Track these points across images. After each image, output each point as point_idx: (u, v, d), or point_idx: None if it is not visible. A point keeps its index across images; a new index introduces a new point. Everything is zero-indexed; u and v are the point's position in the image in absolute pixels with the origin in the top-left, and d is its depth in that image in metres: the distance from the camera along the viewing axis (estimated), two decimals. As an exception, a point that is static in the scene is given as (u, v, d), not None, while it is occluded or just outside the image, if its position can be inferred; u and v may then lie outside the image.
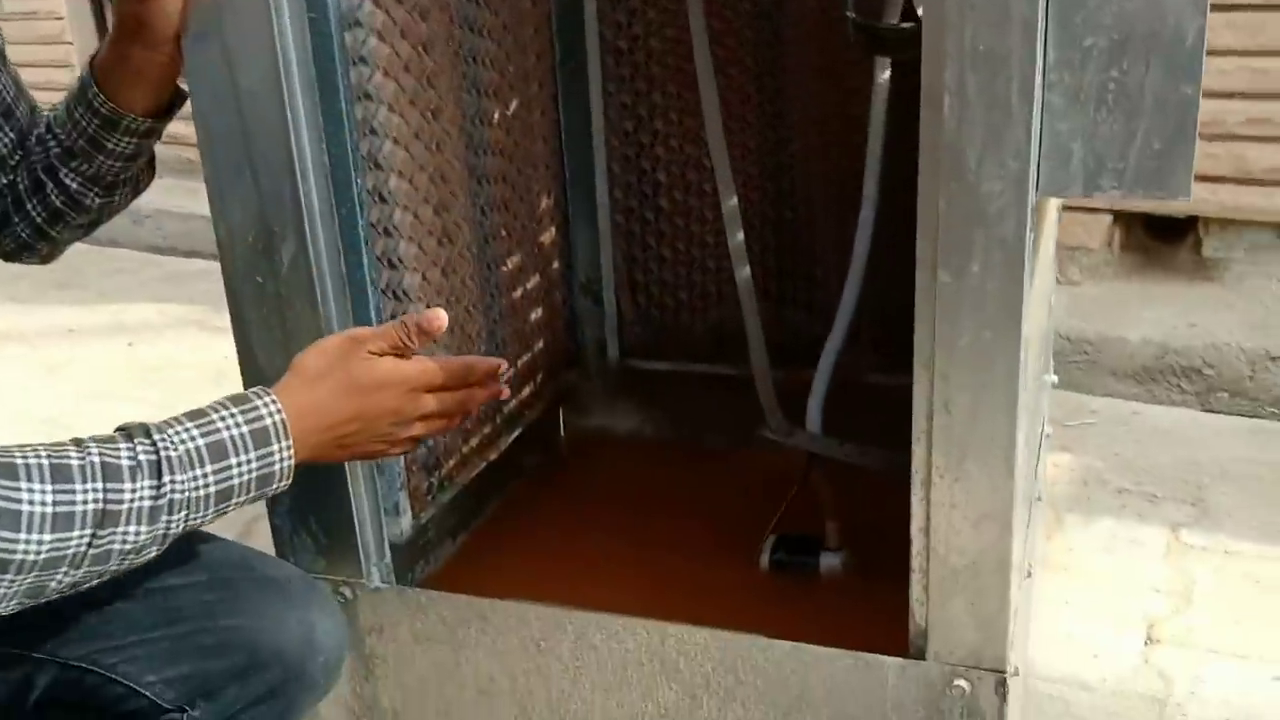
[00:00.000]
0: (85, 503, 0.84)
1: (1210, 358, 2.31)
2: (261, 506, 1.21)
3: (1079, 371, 2.39)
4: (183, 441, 0.90)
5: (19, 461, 0.83)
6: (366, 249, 1.20)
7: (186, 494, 0.89)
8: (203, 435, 0.91)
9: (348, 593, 1.28)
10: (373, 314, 1.22)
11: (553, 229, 1.67)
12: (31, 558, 0.82)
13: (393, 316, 1.28)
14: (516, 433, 1.60)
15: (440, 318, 1.02)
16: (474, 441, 1.49)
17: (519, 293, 1.58)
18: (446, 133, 1.37)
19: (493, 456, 1.52)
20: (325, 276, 1.14)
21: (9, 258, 1.23)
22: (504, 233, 1.52)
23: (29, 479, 0.83)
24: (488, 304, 1.49)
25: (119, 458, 0.87)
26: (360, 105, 1.19)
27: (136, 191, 1.23)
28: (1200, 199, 2.37)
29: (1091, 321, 2.41)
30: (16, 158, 1.17)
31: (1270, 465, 2.08)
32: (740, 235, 1.34)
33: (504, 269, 1.53)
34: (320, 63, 1.11)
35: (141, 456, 0.88)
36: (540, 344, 1.66)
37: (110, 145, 1.12)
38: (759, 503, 1.69)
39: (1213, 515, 1.95)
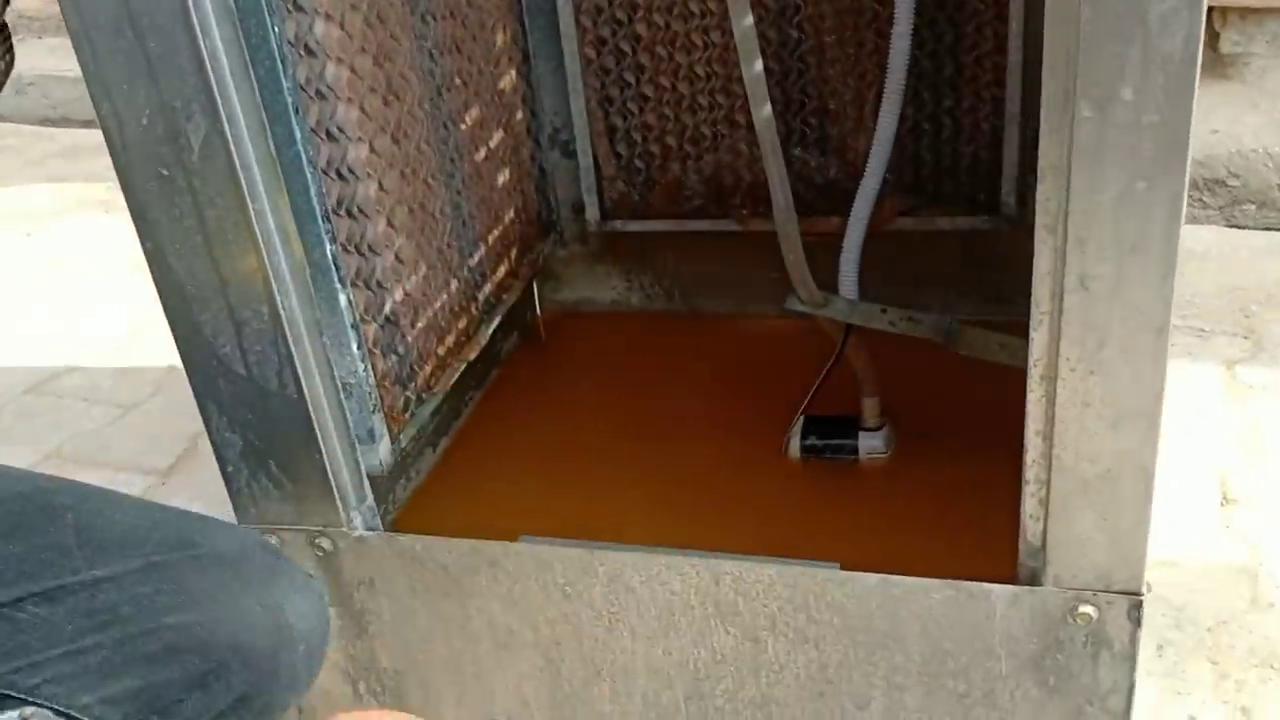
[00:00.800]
0: None
1: (1235, 166, 2.09)
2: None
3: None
4: None
5: None
6: (297, 119, 0.93)
7: None
8: None
9: (326, 544, 1.05)
10: (314, 201, 0.96)
11: (513, 71, 1.40)
12: None
13: (339, 202, 1.02)
14: (496, 321, 1.35)
15: None
16: (450, 340, 1.24)
17: (482, 153, 1.31)
18: (380, -39, 1.08)
19: (472, 355, 1.28)
20: (250, 159, 0.88)
21: None
22: (458, 80, 1.24)
23: None
24: (449, 171, 1.23)
25: None
26: (269, -69, 0.91)
27: None
28: (1215, -15, 2.13)
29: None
30: None
31: (1315, 286, 1.89)
32: (758, 64, 1.08)
33: (462, 125, 1.26)
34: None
35: None
36: (511, 213, 1.40)
37: None
38: (774, 376, 1.47)
39: (1268, 348, 1.75)
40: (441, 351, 1.23)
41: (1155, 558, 1.36)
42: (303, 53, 0.96)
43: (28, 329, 2.30)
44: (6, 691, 0.81)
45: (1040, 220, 0.78)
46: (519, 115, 1.41)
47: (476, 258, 1.30)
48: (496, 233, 1.36)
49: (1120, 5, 0.69)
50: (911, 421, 1.35)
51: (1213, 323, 1.82)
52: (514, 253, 1.41)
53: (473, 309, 1.30)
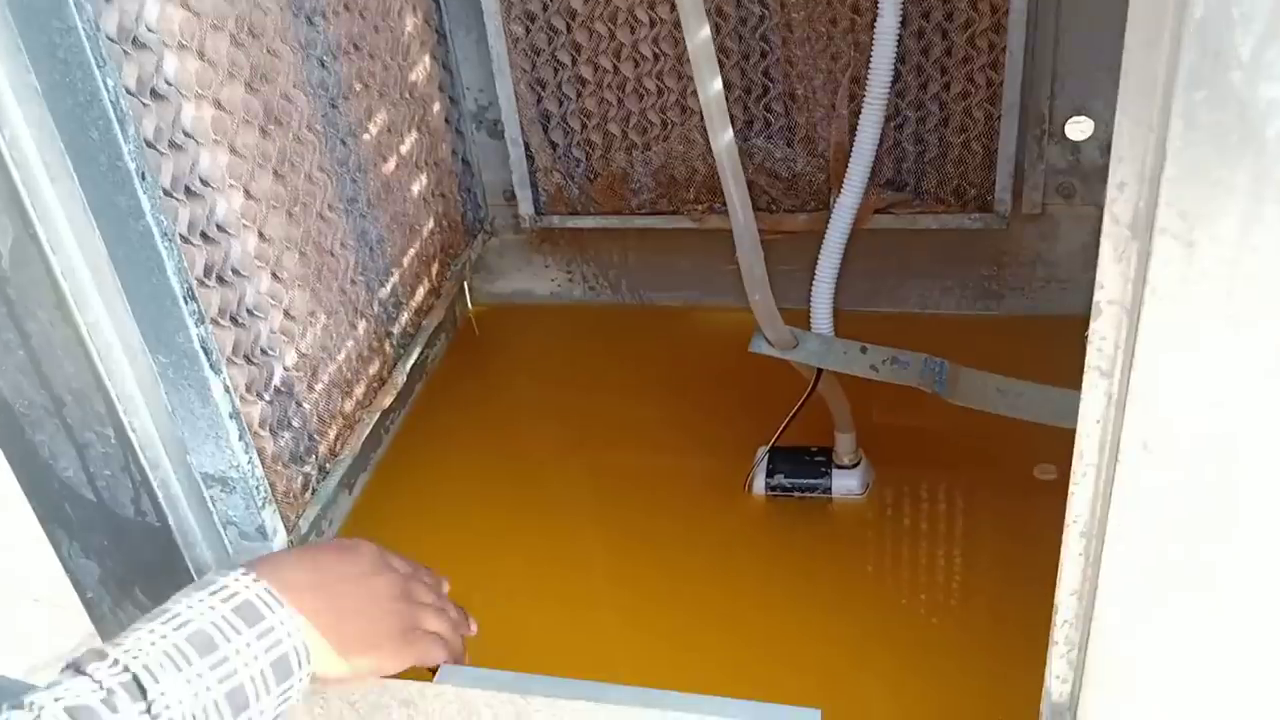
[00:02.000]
0: None
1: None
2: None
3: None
4: (153, 644, 0.66)
5: None
6: (143, 185, 0.73)
7: (186, 706, 0.64)
8: (174, 629, 0.67)
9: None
10: (173, 280, 0.76)
11: (427, 57, 1.18)
12: None
13: (207, 270, 0.83)
14: (415, 355, 1.16)
15: None
16: (359, 393, 1.05)
17: (392, 164, 1.11)
18: (250, -46, 0.87)
19: (387, 402, 1.09)
20: (74, 262, 0.70)
21: None
22: (359, 85, 1.04)
23: None
24: (350, 196, 1.03)
25: (83, 697, 0.62)
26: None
27: None
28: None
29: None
30: None
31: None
32: (718, 84, 0.88)
33: (365, 137, 1.06)
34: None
35: (109, 681, 0.63)
36: (430, 223, 1.20)
37: None
38: (731, 375, 1.31)
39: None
40: (349, 408, 1.04)
41: None
42: (148, 100, 0.76)
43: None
44: None
45: (1093, 361, 0.60)
46: (436, 108, 1.20)
47: (389, 287, 1.11)
48: (413, 251, 1.16)
49: (1228, 116, 0.50)
50: (892, 456, 1.19)
51: None
52: (435, 268, 1.22)
53: (386, 347, 1.11)
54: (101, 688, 0.63)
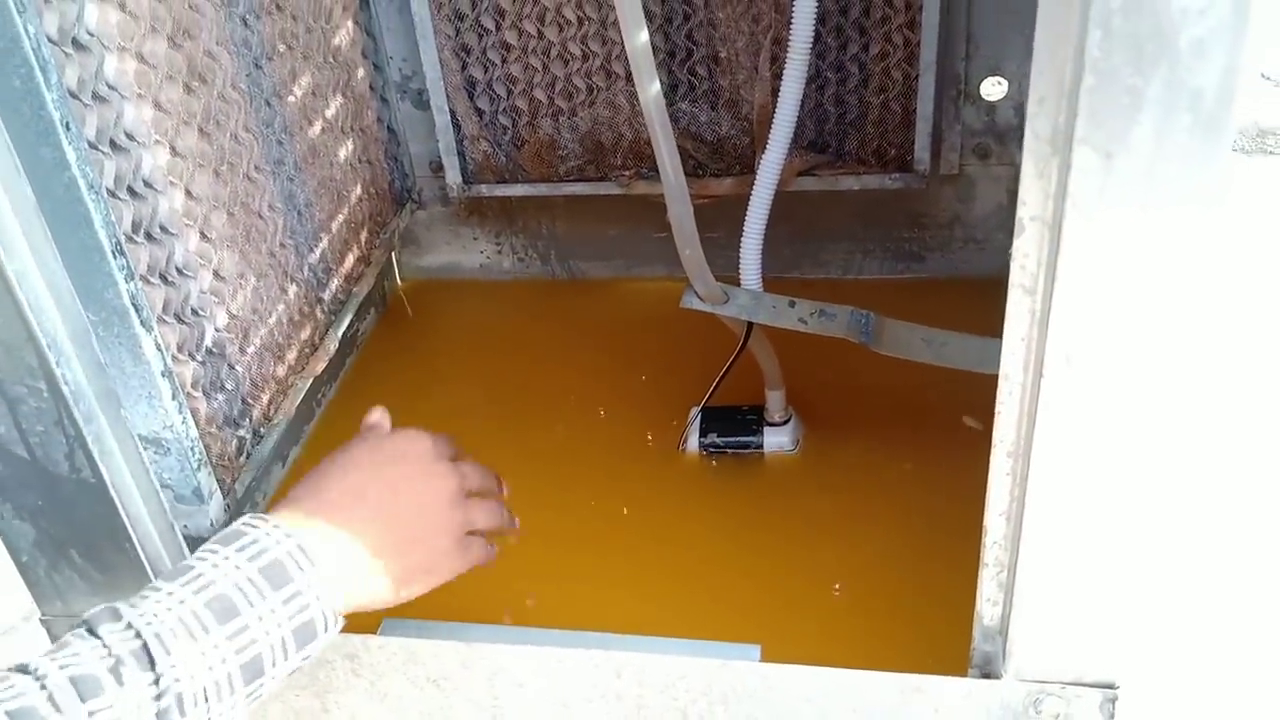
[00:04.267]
0: None
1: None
2: None
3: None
4: (170, 610, 0.64)
5: None
6: (68, 135, 0.72)
7: (199, 680, 0.63)
8: (194, 593, 0.65)
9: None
10: (100, 234, 0.75)
11: (350, 23, 1.18)
12: None
13: (135, 226, 0.82)
14: (346, 323, 1.16)
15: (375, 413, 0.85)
16: (291, 358, 1.05)
17: (318, 127, 1.11)
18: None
19: (320, 368, 1.09)
20: (3, 209, 0.68)
21: None
22: (282, 46, 1.03)
23: None
24: (276, 158, 1.02)
25: (88, 664, 0.60)
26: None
27: None
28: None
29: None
30: None
31: None
32: (644, 35, 0.90)
33: (290, 99, 1.05)
34: None
35: (119, 648, 0.62)
36: (358, 189, 1.20)
37: None
38: (666, 351, 1.32)
39: None
40: (282, 372, 1.04)
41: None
42: (70, 49, 0.75)
43: None
44: None
45: (1017, 279, 0.62)
46: (360, 73, 1.20)
47: (318, 252, 1.10)
48: (341, 216, 1.16)
49: (1142, 26, 0.52)
50: (821, 412, 1.22)
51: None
52: (364, 235, 1.21)
53: (317, 313, 1.10)
54: (110, 654, 0.62)
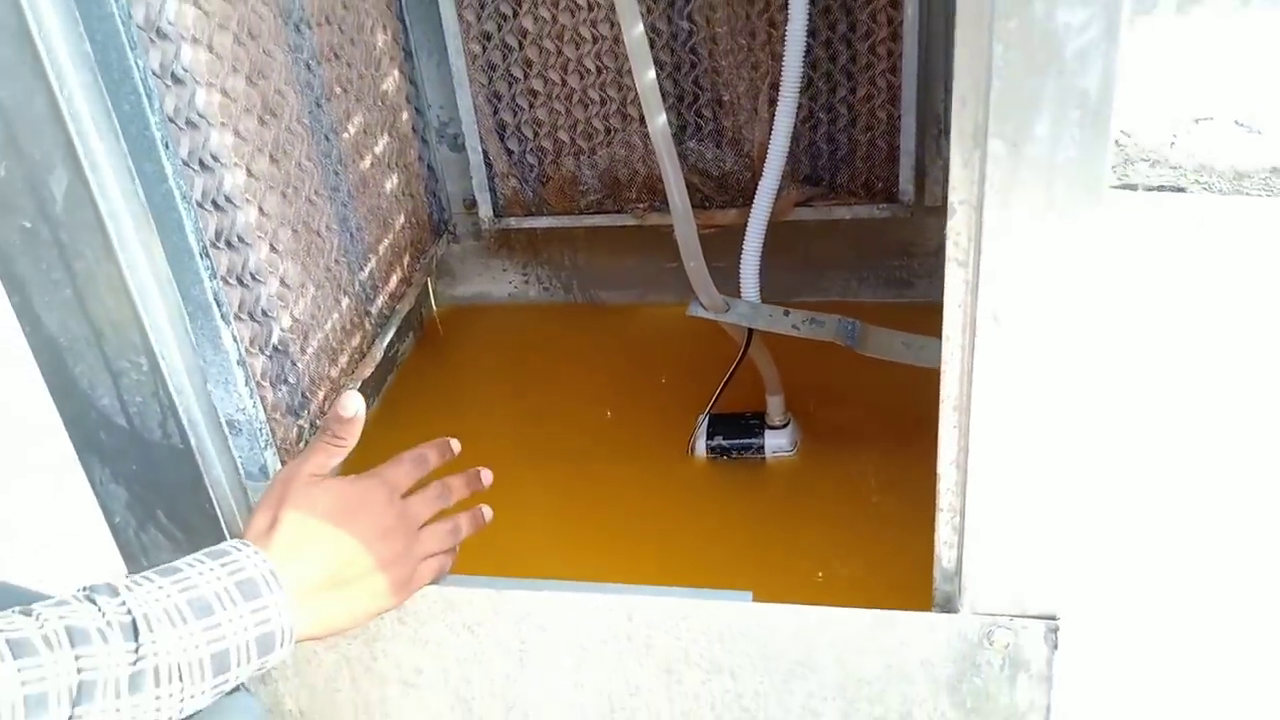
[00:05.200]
0: (58, 675, 0.67)
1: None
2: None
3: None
4: (157, 600, 0.74)
5: None
6: (167, 154, 0.87)
7: (174, 658, 0.73)
8: (180, 591, 0.75)
9: (217, 592, 1.00)
10: (190, 238, 0.90)
11: (396, 71, 1.34)
12: None
13: (217, 234, 0.97)
14: (390, 334, 1.30)
15: (353, 402, 0.90)
16: (343, 361, 1.19)
17: (368, 161, 1.26)
18: (248, -29, 1.02)
19: (368, 373, 1.23)
20: (117, 206, 0.82)
21: None
22: (338, 89, 1.19)
23: None
24: (333, 185, 1.17)
25: (83, 620, 0.70)
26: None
27: None
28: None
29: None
30: None
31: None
32: (651, 73, 1.04)
33: (345, 135, 1.20)
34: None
35: (111, 616, 0.71)
36: (401, 218, 1.35)
37: None
38: (676, 369, 1.46)
39: None
40: (335, 373, 1.18)
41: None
42: (169, 82, 0.90)
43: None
44: None
45: (952, 254, 0.76)
46: (404, 116, 1.35)
47: (367, 270, 1.25)
48: (387, 241, 1.30)
49: (1034, 40, 0.66)
50: (817, 418, 1.34)
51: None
52: (406, 259, 1.36)
53: (366, 324, 1.25)
54: (103, 618, 0.71)
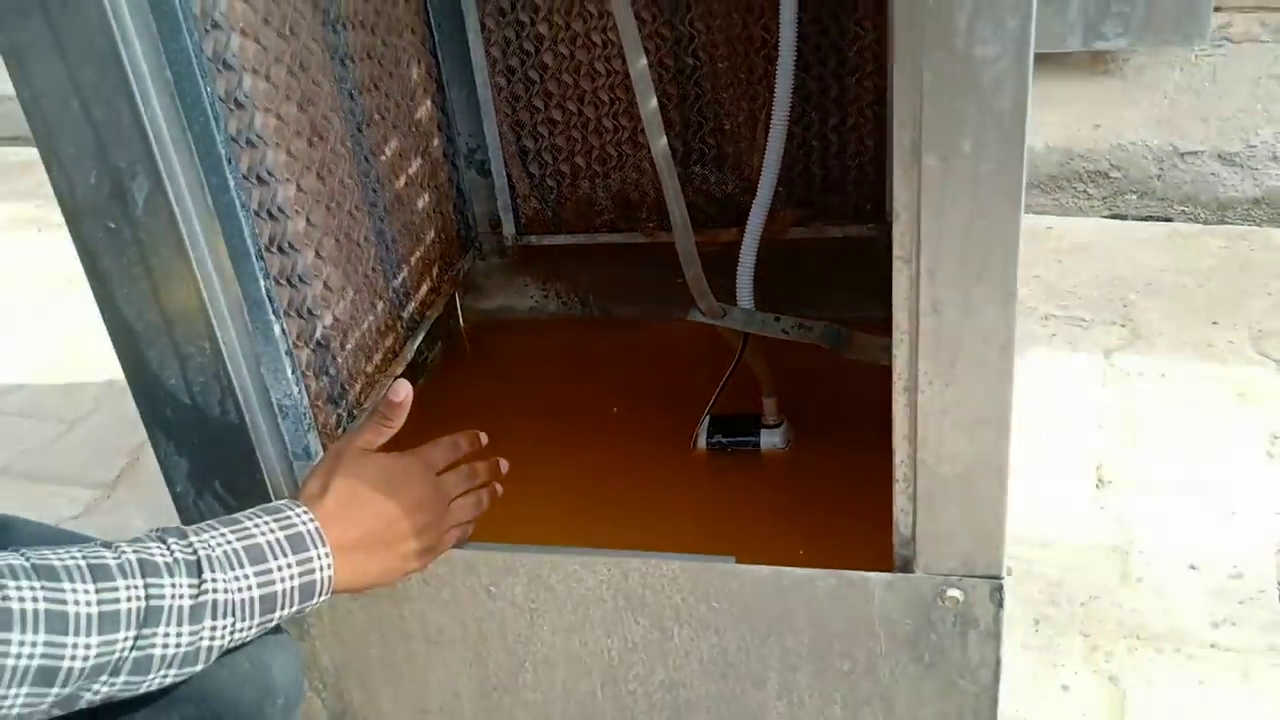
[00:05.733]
0: (129, 599, 0.78)
1: (1117, 159, 2.23)
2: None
3: (984, 186, 2.29)
4: (219, 544, 0.85)
5: (56, 563, 0.77)
6: (230, 168, 1.01)
7: (229, 596, 0.84)
8: (238, 539, 0.87)
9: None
10: (248, 242, 1.04)
11: (428, 101, 1.48)
12: (79, 664, 0.75)
13: (271, 240, 1.11)
14: (420, 336, 1.44)
15: (404, 386, 1.02)
16: (377, 358, 1.33)
17: (402, 181, 1.40)
18: (299, 12, 1.16)
19: (400, 370, 1.37)
20: (189, 211, 0.96)
21: None
22: (377, 116, 1.33)
23: (71, 580, 0.76)
24: (371, 201, 1.31)
25: (154, 555, 0.81)
26: (197, -3, 0.99)
27: None
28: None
29: (992, 131, 2.29)
30: None
31: (1191, 273, 2.03)
32: (653, 101, 1.18)
33: (383, 157, 1.34)
34: (144, -48, 0.90)
35: (178, 554, 0.82)
36: (431, 233, 1.49)
37: None
38: (682, 376, 1.58)
39: (1144, 335, 1.89)
40: (370, 369, 1.31)
41: (1032, 538, 1.50)
42: (233, 107, 1.04)
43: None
44: None
45: (897, 253, 0.89)
46: (435, 142, 1.50)
47: (400, 278, 1.39)
48: (418, 253, 1.44)
49: (956, 70, 0.79)
50: (808, 418, 1.47)
51: (1093, 312, 1.95)
52: (436, 270, 1.50)
53: (398, 327, 1.38)
54: (171, 555, 0.82)
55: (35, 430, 2.02)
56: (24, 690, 0.73)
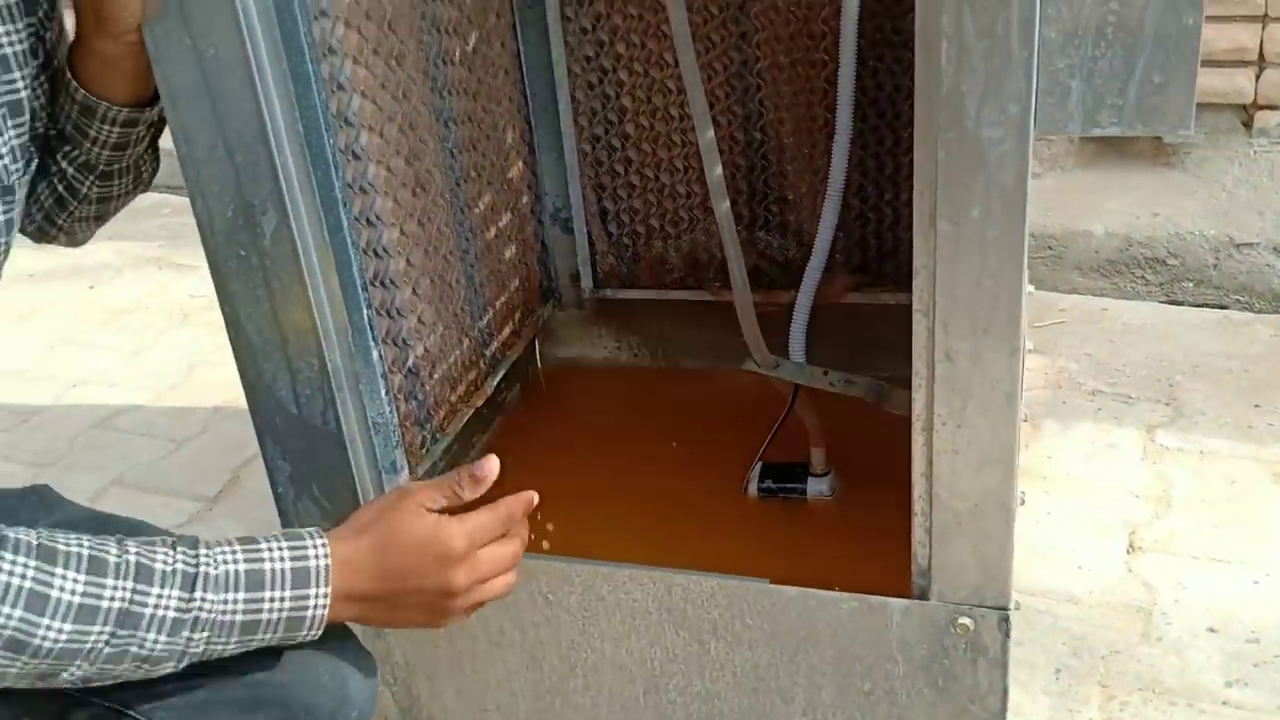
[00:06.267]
0: (112, 599, 0.83)
1: (1174, 247, 2.32)
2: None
3: (1045, 268, 2.40)
4: (223, 562, 0.89)
5: (60, 548, 0.83)
6: (345, 210, 1.16)
7: (213, 615, 0.88)
8: (245, 561, 0.90)
9: (349, 556, 1.27)
10: (356, 275, 1.19)
11: (520, 163, 1.64)
12: (49, 644, 0.81)
13: (375, 275, 1.26)
14: (500, 374, 1.58)
15: (492, 465, 1.00)
16: (461, 390, 1.47)
17: (493, 232, 1.55)
18: (411, 78, 1.32)
19: (480, 402, 1.51)
20: (309, 244, 1.11)
21: (37, 238, 1.17)
22: (474, 173, 1.49)
23: (65, 566, 0.82)
24: (464, 248, 1.47)
25: (155, 561, 0.86)
26: (326, 62, 1.15)
27: (139, 180, 1.16)
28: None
29: (1055, 216, 2.40)
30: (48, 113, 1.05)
31: (1239, 358, 2.11)
32: (719, 169, 1.32)
33: (476, 210, 1.50)
34: (284, 24, 1.06)
35: (179, 565, 0.87)
36: (516, 282, 1.64)
37: (93, 133, 1.05)
38: (740, 425, 1.70)
39: (1187, 414, 1.97)
40: (453, 399, 1.46)
41: (1060, 594, 1.59)
42: (350, 158, 1.20)
43: (93, 371, 2.58)
44: (124, 710, 0.97)
45: (917, 307, 1.01)
46: (524, 199, 1.65)
47: (485, 320, 1.54)
48: (503, 299, 1.59)
49: (967, 150, 0.92)
50: (854, 467, 1.58)
51: (1140, 390, 2.04)
52: (518, 316, 1.65)
53: (481, 363, 1.53)
54: (171, 564, 0.86)
55: (148, 447, 2.21)
56: None
